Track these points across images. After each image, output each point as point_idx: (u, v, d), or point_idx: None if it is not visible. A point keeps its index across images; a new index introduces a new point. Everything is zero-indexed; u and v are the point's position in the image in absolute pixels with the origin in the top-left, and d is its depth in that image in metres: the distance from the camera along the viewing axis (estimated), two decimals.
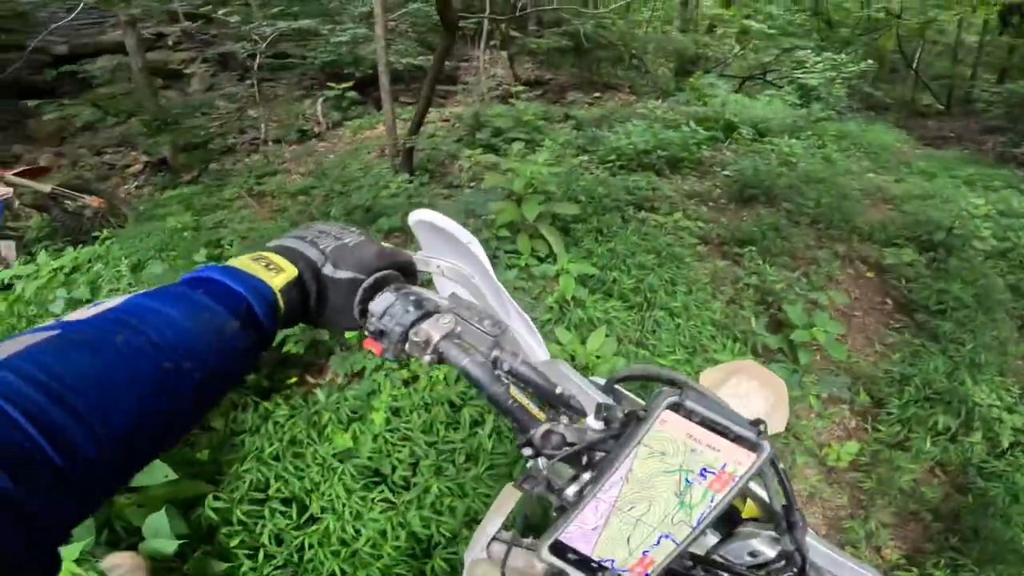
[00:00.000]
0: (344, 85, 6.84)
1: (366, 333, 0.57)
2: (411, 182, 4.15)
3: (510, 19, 7.53)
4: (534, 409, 0.52)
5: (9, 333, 3.17)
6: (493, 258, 3.36)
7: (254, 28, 6.11)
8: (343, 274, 0.55)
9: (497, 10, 7.40)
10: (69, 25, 8.46)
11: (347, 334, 2.56)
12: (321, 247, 0.56)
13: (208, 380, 0.44)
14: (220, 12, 6.85)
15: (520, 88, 6.71)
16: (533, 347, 0.69)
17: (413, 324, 0.54)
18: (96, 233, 3.94)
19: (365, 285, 0.56)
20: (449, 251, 0.65)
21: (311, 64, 7.55)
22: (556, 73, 9.35)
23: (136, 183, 5.45)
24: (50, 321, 0.42)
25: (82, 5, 5.51)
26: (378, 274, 0.57)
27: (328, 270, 0.55)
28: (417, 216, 0.64)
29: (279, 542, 1.88)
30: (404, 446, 2.14)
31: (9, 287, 3.36)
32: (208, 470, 2.16)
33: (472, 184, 4.65)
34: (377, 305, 0.55)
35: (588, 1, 10.36)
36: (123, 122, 5.32)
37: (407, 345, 0.54)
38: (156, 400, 0.40)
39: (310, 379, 2.69)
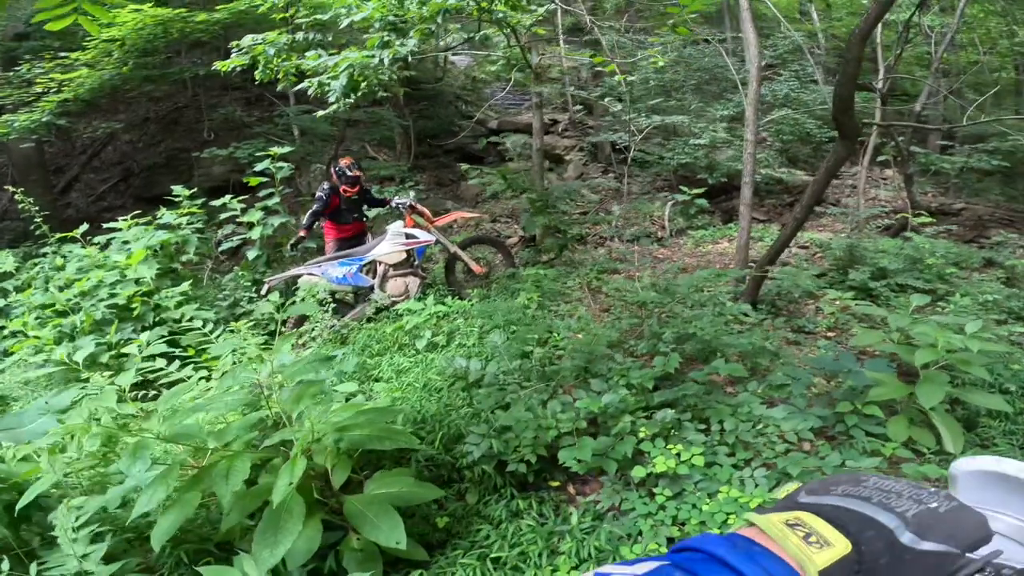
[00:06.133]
0: (695, 191, 6.80)
1: None
2: (748, 314, 3.69)
3: (913, 128, 6.27)
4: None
5: (385, 352, 4.04)
6: (846, 436, 2.65)
7: (632, 119, 6.63)
8: (930, 546, 0.43)
9: (888, 118, 6.29)
10: (501, 104, 11.04)
11: None
12: (899, 510, 0.45)
13: None
14: (604, 99, 7.76)
15: (925, 219, 5.45)
16: None
17: None
18: (469, 291, 4.78)
19: (972, 565, 0.43)
20: (1019, 504, 0.55)
21: (667, 164, 7.84)
22: (971, 202, 7.40)
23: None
24: None
25: (508, 85, 6.94)
26: (983, 551, 0.45)
27: (908, 539, 0.43)
28: (977, 466, 0.55)
29: None
30: None
31: (400, 316, 4.26)
32: (435, 538, 2.20)
33: (832, 335, 3.87)
34: None
35: None
36: (517, 196, 6.40)
37: None
38: None
39: (572, 490, 2.58)
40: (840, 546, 0.42)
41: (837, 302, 4.11)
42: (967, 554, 0.44)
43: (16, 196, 5.05)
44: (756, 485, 2.20)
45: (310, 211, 4.99)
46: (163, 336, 3.83)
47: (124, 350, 2.49)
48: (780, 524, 0.43)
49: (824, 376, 3.22)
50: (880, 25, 6.08)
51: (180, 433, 1.72)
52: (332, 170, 5.09)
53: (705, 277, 3.62)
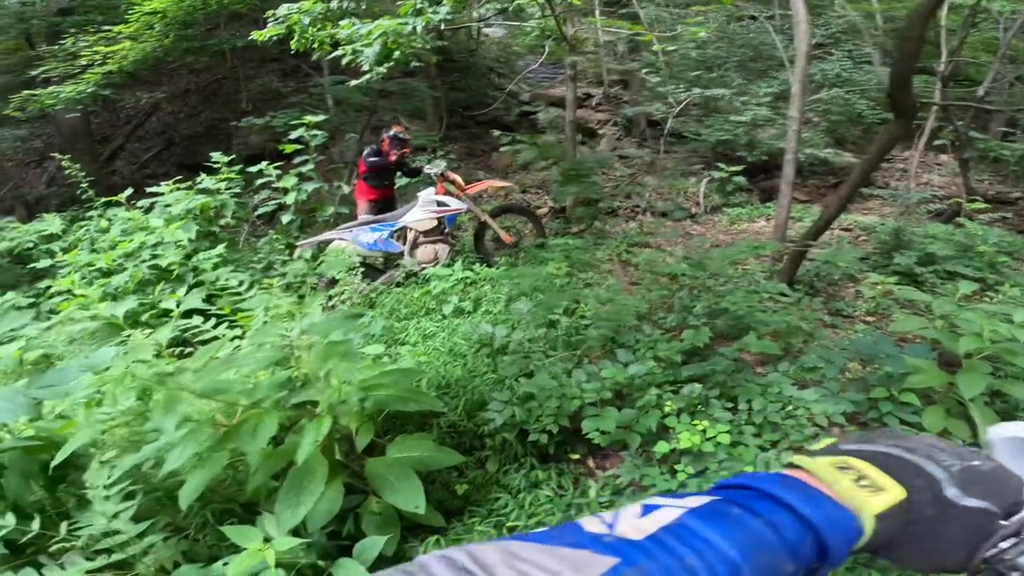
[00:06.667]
0: (733, 168, 6.59)
1: None
2: (786, 294, 3.57)
3: (973, 111, 5.89)
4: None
5: (412, 317, 4.09)
6: (878, 423, 2.57)
7: (672, 91, 6.44)
8: (973, 503, 0.44)
9: (949, 98, 5.90)
10: (535, 76, 10.85)
11: None
12: (944, 464, 0.46)
13: None
14: (643, 71, 7.54)
15: (980, 205, 5.16)
16: None
17: None
18: (497, 259, 4.77)
19: (1005, 529, 0.43)
20: None
21: (704, 141, 7.60)
22: None
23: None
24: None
25: (542, 57, 6.82)
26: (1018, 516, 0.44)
27: (952, 493, 0.44)
28: (1013, 432, 0.54)
29: None
30: None
31: (427, 281, 4.29)
32: (454, 505, 2.19)
33: (871, 319, 3.72)
34: None
35: None
36: (548, 167, 6.34)
37: None
38: None
39: (591, 463, 2.55)
40: (895, 491, 0.43)
41: (879, 286, 3.95)
42: (1006, 511, 0.44)
43: (63, 164, 5.24)
44: (782, 467, 2.17)
45: (376, 159, 5.03)
46: (202, 297, 3.96)
47: (162, 305, 2.55)
48: (830, 467, 0.43)
49: (859, 361, 3.12)
50: (946, 7, 5.70)
51: (212, 389, 1.74)
52: (384, 135, 5.11)
53: (741, 251, 3.51)
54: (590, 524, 0.37)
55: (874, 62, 7.46)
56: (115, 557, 1.66)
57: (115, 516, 1.66)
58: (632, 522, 0.37)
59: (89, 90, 6.40)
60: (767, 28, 7.13)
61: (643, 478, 2.19)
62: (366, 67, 3.34)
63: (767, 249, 3.54)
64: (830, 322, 3.61)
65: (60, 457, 1.76)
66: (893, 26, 9.11)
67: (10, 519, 1.69)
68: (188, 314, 2.95)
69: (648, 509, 0.38)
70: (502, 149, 6.84)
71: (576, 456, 2.49)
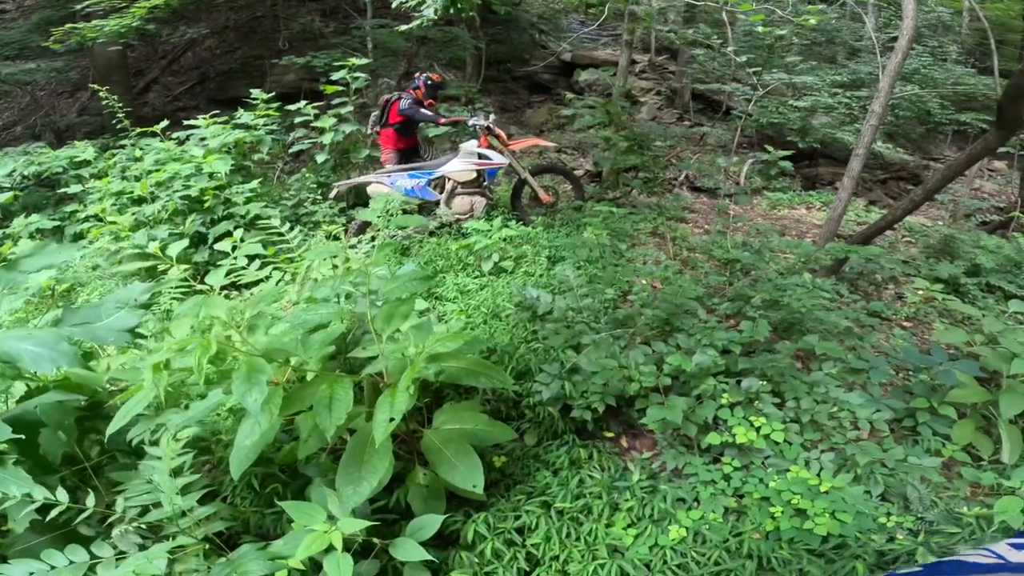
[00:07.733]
0: (781, 152, 6.39)
1: None
2: (841, 293, 3.51)
3: None
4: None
5: (448, 270, 4.02)
6: (909, 432, 2.55)
7: (757, 72, 6.16)
8: None
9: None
10: (577, 37, 10.47)
11: None
12: None
13: None
14: (732, 52, 7.19)
15: None
16: None
17: None
18: (533, 218, 4.70)
19: None
20: None
21: (754, 121, 7.32)
22: None
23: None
24: None
25: (602, 19, 6.52)
26: None
27: None
28: None
29: None
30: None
31: (465, 235, 4.21)
32: (490, 477, 2.13)
33: (908, 325, 3.66)
34: None
35: None
36: (585, 129, 6.18)
37: None
38: None
39: (624, 442, 2.54)
40: None
41: (920, 292, 3.87)
42: None
43: (101, 94, 5.17)
44: (821, 468, 2.15)
45: (419, 110, 4.89)
46: (263, 243, 3.84)
47: (217, 247, 2.47)
48: None
49: (893, 367, 3.09)
50: None
51: (277, 349, 1.63)
52: (418, 82, 4.98)
53: (809, 250, 3.42)
54: (977, 558, 0.46)
55: (948, 60, 7.08)
56: (168, 532, 1.56)
57: (183, 490, 1.54)
58: (1016, 554, 0.48)
59: (134, 24, 6.19)
60: (858, 15, 6.71)
61: (686, 467, 2.19)
62: (430, 13, 3.18)
63: (838, 252, 3.44)
64: (867, 323, 3.55)
65: (120, 421, 1.62)
66: (979, 26, 8.58)
67: (46, 493, 1.51)
68: (249, 257, 2.84)
69: (1019, 547, 0.49)
70: (565, 111, 6.64)
71: (611, 434, 2.48)
